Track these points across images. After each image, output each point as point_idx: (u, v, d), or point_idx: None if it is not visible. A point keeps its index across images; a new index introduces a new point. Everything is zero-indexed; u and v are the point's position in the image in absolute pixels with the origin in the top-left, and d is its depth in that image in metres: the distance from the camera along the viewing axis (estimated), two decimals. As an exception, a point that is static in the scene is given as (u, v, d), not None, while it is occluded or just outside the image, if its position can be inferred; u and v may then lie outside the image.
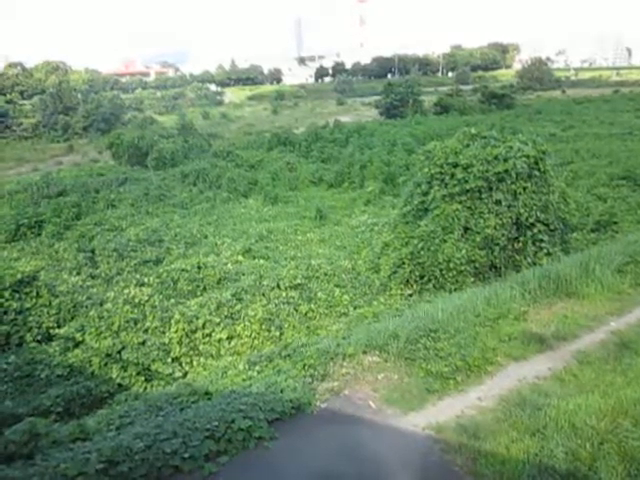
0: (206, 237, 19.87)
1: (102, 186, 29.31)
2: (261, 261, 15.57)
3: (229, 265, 14.52)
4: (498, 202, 11.82)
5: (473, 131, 13.39)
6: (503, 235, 11.72)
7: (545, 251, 11.72)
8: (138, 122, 55.33)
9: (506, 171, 11.77)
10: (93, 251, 17.84)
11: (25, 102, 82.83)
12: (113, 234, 19.60)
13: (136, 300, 11.62)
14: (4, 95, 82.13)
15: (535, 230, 11.79)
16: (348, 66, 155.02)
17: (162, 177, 31.82)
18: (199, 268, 13.90)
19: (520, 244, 11.90)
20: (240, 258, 15.72)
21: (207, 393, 6.71)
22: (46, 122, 68.43)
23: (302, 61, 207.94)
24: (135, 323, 10.94)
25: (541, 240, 11.77)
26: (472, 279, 11.72)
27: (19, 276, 12.02)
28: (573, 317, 7.61)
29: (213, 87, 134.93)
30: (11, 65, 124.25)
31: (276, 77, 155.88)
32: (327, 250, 16.81)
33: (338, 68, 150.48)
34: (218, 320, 10.92)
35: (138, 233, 19.18)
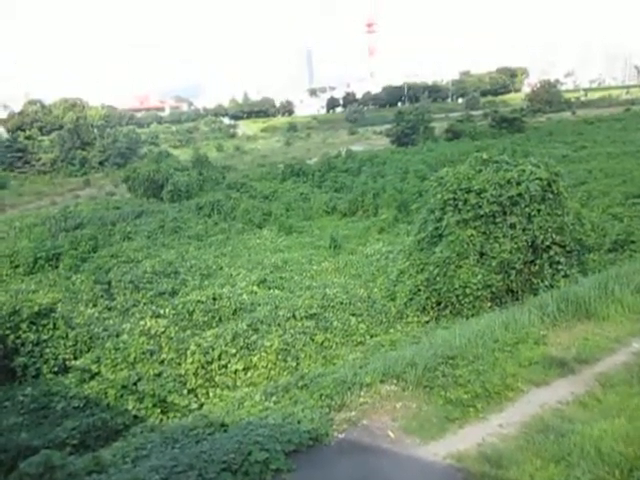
0: (221, 268, 19.94)
1: (118, 219, 29.72)
2: (276, 291, 15.54)
3: (244, 296, 14.52)
4: (513, 226, 11.76)
5: (485, 156, 13.40)
6: (519, 259, 11.62)
7: (562, 273, 11.57)
8: (153, 156, 56.18)
9: (519, 194, 11.74)
10: (109, 283, 17.98)
11: (44, 138, 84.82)
12: (129, 266, 19.75)
13: (152, 331, 11.63)
14: (23, 131, 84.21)
15: (551, 252, 11.67)
16: (359, 96, 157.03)
17: (177, 209, 32.19)
18: (214, 299, 13.91)
19: (537, 267, 11.77)
20: (255, 289, 15.71)
21: (223, 425, 6.64)
22: (64, 157, 69.95)
23: (313, 92, 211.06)
24: (151, 354, 10.94)
25: (558, 262, 11.64)
26: (489, 304, 11.59)
27: (36, 308, 12.13)
28: (594, 339, 7.46)
29: (226, 120, 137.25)
30: (31, 102, 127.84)
31: (288, 109, 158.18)
32: (342, 279, 16.74)
33: (349, 98, 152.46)
34: (234, 351, 10.87)
35: (154, 265, 19.32)
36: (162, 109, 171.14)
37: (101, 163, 68.99)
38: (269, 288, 16.21)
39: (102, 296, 17.05)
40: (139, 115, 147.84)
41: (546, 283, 11.46)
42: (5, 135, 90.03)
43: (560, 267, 11.64)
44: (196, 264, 20.05)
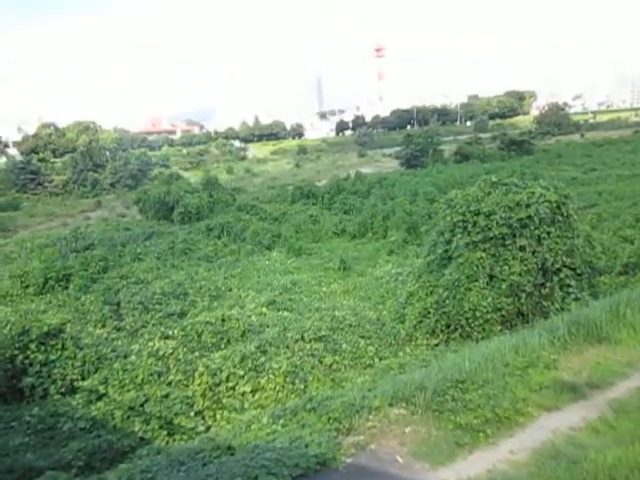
0: (230, 290, 19.96)
1: (129, 240, 29.93)
2: (285, 313, 15.50)
3: (253, 317, 14.49)
4: (522, 248, 11.70)
5: (494, 179, 13.42)
6: (529, 281, 11.54)
7: (573, 296, 11.46)
8: (164, 178, 56.82)
9: (529, 217, 11.71)
10: (119, 304, 18.04)
11: (57, 160, 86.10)
12: (139, 287, 19.81)
13: (160, 353, 11.62)
14: (37, 153, 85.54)
15: (562, 275, 11.58)
16: (368, 119, 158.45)
17: (187, 231, 32.38)
18: (223, 321, 13.89)
19: (547, 290, 11.67)
20: (264, 310, 15.69)
21: (230, 448, 6.57)
22: (76, 179, 70.90)
23: (323, 116, 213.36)
24: (159, 376, 10.90)
25: (568, 285, 11.54)
26: (499, 327, 11.48)
27: (45, 328, 12.16)
28: (606, 364, 7.34)
29: (237, 143, 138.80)
30: (45, 125, 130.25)
31: (298, 132, 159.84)
32: (351, 301, 16.69)
33: (358, 121, 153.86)
34: (242, 373, 10.82)
35: (163, 286, 19.37)
36: (174, 132, 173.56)
37: (112, 185, 69.84)
38: (278, 310, 16.18)
39: (111, 317, 17.09)
40: (151, 138, 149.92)
41: (557, 306, 11.36)
42: (19, 157, 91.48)
43: (571, 290, 11.54)
44: (205, 285, 20.08)
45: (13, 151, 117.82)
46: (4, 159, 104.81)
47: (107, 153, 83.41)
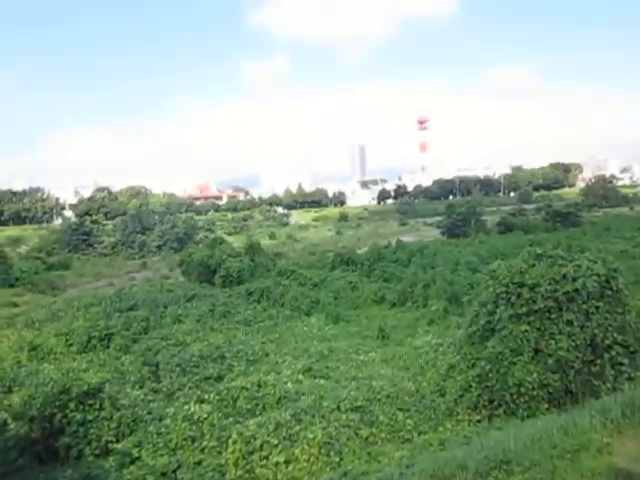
0: (267, 355, 19.81)
1: (170, 302, 30.38)
2: (321, 381, 15.22)
3: (289, 384, 14.28)
4: (570, 322, 11.28)
5: (538, 250, 13.17)
6: (577, 357, 11.02)
7: (626, 375, 10.85)
8: (208, 242, 58.17)
9: (576, 290, 11.35)
10: (157, 365, 18.10)
11: (108, 222, 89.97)
12: (178, 349, 19.92)
13: (195, 417, 11.51)
14: (90, 216, 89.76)
15: (613, 352, 11.03)
16: (410, 189, 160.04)
17: (228, 294, 32.68)
18: (259, 386, 13.74)
19: (597, 367, 11.10)
20: (300, 377, 15.45)
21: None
22: (125, 241, 73.64)
23: (365, 185, 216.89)
24: (193, 441, 10.75)
25: (620, 363, 10.96)
26: (546, 405, 10.91)
27: (85, 387, 12.29)
28: (665, 452, 6.82)
29: (280, 209, 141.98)
30: (99, 189, 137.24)
31: (340, 200, 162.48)
32: (389, 371, 16.27)
33: (400, 191, 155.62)
34: (276, 442, 10.54)
35: (202, 349, 19.41)
36: (220, 198, 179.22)
37: (159, 247, 72.10)
38: (314, 377, 15.89)
39: (149, 378, 17.13)
40: (198, 203, 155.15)
41: (608, 385, 10.75)
42: (73, 219, 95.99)
43: (623, 368, 10.94)
44: (243, 349, 20.01)
45: (69, 213, 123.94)
46: (60, 220, 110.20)
47: (156, 217, 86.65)
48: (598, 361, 11.12)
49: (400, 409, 12.28)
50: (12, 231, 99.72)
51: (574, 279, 11.52)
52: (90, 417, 11.98)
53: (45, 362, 19.82)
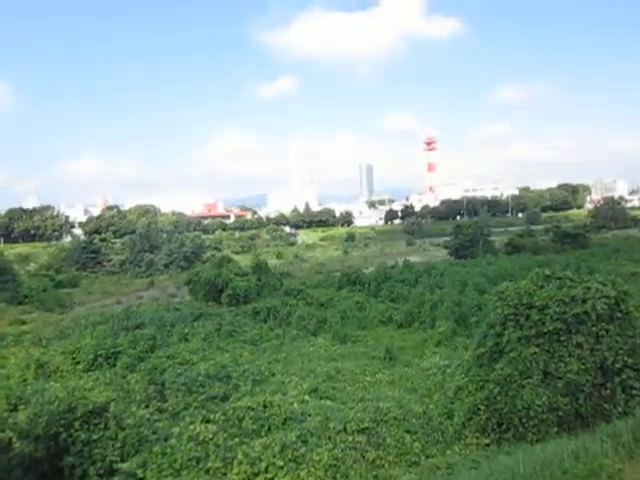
0: (274, 374, 19.69)
1: (177, 320, 30.35)
2: (328, 402, 15.07)
3: (295, 405, 14.15)
4: (579, 345, 11.15)
5: (547, 272, 13.09)
6: (587, 381, 10.87)
7: (637, 399, 10.66)
8: (216, 260, 58.35)
9: (585, 312, 11.25)
10: (163, 384, 18.02)
11: (117, 240, 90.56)
12: (184, 368, 19.84)
13: (200, 437, 11.41)
14: (99, 234, 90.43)
15: (624, 376, 10.86)
16: (417, 209, 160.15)
17: (235, 313, 32.65)
18: (265, 407, 13.63)
19: (608, 391, 10.93)
20: (307, 398, 15.31)
21: None
22: (133, 259, 73.99)
23: (372, 204, 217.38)
24: (197, 462, 10.65)
25: (632, 387, 10.79)
26: (555, 429, 10.73)
27: (91, 406, 12.22)
28: (678, 479, 6.68)
29: (287, 229, 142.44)
30: (109, 208, 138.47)
31: (347, 219, 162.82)
32: (396, 392, 16.10)
33: (407, 211, 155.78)
34: (282, 463, 10.43)
35: (208, 368, 19.34)
36: (228, 217, 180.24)
37: (166, 266, 72.35)
38: (321, 398, 15.76)
39: (155, 397, 17.05)
40: (206, 222, 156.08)
41: (619, 409, 10.57)
42: (83, 237, 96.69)
43: (634, 392, 10.76)
44: (249, 369, 19.91)
45: (78, 231, 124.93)
46: (69, 238, 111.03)
47: (164, 235, 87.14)
48: (609, 384, 10.97)
49: (407, 432, 12.13)
50: (22, 248, 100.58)
51: (583, 301, 11.42)
52: (95, 436, 11.91)
53: (51, 380, 19.79)
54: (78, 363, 21.68)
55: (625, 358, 10.93)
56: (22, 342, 28.00)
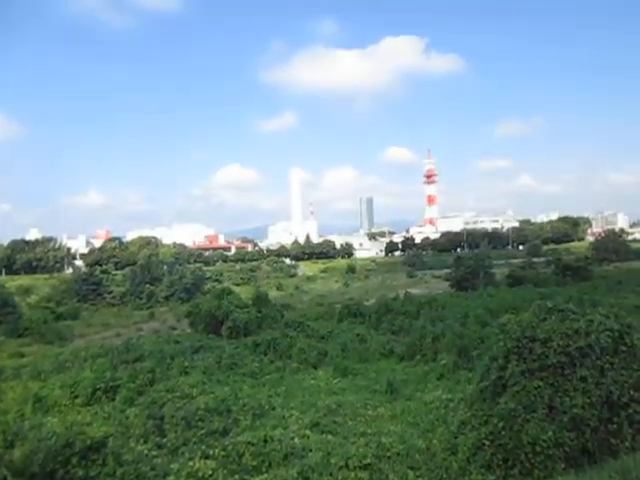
0: (274, 408, 19.42)
1: (177, 353, 30.09)
2: (329, 436, 14.85)
3: (296, 440, 13.94)
4: (584, 379, 11.02)
5: (549, 304, 13.04)
6: (593, 415, 10.70)
7: (645, 435, 10.50)
8: (216, 292, 58.31)
9: (589, 346, 11.16)
10: (162, 418, 17.76)
11: (118, 272, 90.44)
12: (183, 402, 19.57)
13: (200, 474, 11.22)
14: (100, 265, 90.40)
15: (630, 410, 10.71)
16: (417, 240, 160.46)
17: (235, 346, 32.39)
18: (265, 442, 13.42)
19: (615, 426, 10.76)
20: (308, 432, 15.09)
21: None
22: (133, 291, 73.88)
23: (373, 237, 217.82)
24: (196, 499, 10.43)
25: (639, 422, 10.62)
26: (562, 465, 10.51)
27: (89, 442, 12.01)
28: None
29: (288, 261, 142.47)
30: (110, 239, 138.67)
31: (347, 251, 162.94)
32: (399, 427, 15.86)
33: (408, 243, 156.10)
34: (282, 501, 10.22)
35: (207, 402, 19.08)
36: (229, 249, 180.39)
37: (167, 298, 72.25)
38: (322, 432, 15.52)
39: (154, 432, 16.78)
40: (207, 254, 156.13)
41: (627, 444, 10.38)
42: (84, 269, 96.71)
43: (641, 427, 10.60)
44: (249, 403, 19.65)
45: (80, 263, 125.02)
46: (71, 270, 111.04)
47: (165, 267, 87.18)
48: (615, 419, 10.80)
49: (410, 468, 11.91)
50: (23, 280, 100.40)
51: (587, 334, 11.35)
52: (92, 473, 11.66)
53: (49, 415, 19.49)
54: (77, 397, 21.41)
55: (631, 392, 10.79)
56: (20, 376, 27.67)
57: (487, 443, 11.37)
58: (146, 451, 14.27)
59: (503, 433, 11.20)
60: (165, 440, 16.11)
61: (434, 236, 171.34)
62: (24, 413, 20.07)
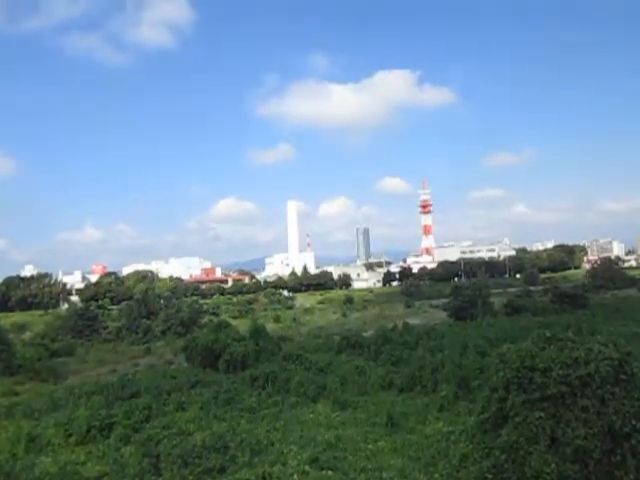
0: (272, 444, 19.07)
1: (174, 388, 29.67)
2: (329, 472, 14.57)
3: (295, 476, 13.68)
4: (585, 409, 10.90)
5: (548, 334, 12.98)
6: (596, 446, 10.55)
7: (649, 466, 10.33)
8: (213, 326, 57.78)
9: (589, 375, 11.07)
10: (158, 456, 17.40)
11: (113, 307, 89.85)
12: (180, 438, 19.23)
13: (196, 514, 10.93)
14: (96, 301, 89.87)
15: (633, 441, 10.56)
16: (414, 270, 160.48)
17: (232, 380, 31.97)
18: (264, 479, 13.15)
19: (618, 457, 10.60)
20: (307, 468, 14.80)
21: None
22: (129, 325, 73.26)
23: (370, 267, 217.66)
24: (193, 541, 10.14)
25: (642, 453, 10.47)
26: (567, 499, 10.32)
27: (83, 482, 11.78)
28: None
29: (285, 292, 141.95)
30: (106, 274, 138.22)
31: (345, 282, 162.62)
32: (400, 461, 15.58)
33: (405, 273, 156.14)
34: (282, 541, 9.94)
35: (204, 438, 18.74)
36: (226, 281, 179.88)
37: (163, 332, 71.58)
38: (322, 468, 15.22)
39: (149, 470, 16.42)
40: (204, 287, 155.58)
41: (631, 477, 10.22)
42: (80, 304, 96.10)
43: (645, 458, 10.44)
44: (247, 439, 19.29)
45: (75, 298, 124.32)
46: (66, 306, 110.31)
47: (161, 301, 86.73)
48: (618, 450, 10.64)
49: (413, 504, 11.65)
50: (18, 317, 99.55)
51: (587, 363, 11.27)
52: (87, 514, 11.42)
53: (43, 454, 19.08)
54: (70, 436, 20.98)
55: (633, 422, 10.67)
56: (13, 414, 27.15)
57: (490, 477, 11.17)
58: (142, 491, 13.96)
59: (506, 466, 11.02)
60: (161, 479, 15.77)
61: (431, 266, 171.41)
62: (17, 453, 19.65)
